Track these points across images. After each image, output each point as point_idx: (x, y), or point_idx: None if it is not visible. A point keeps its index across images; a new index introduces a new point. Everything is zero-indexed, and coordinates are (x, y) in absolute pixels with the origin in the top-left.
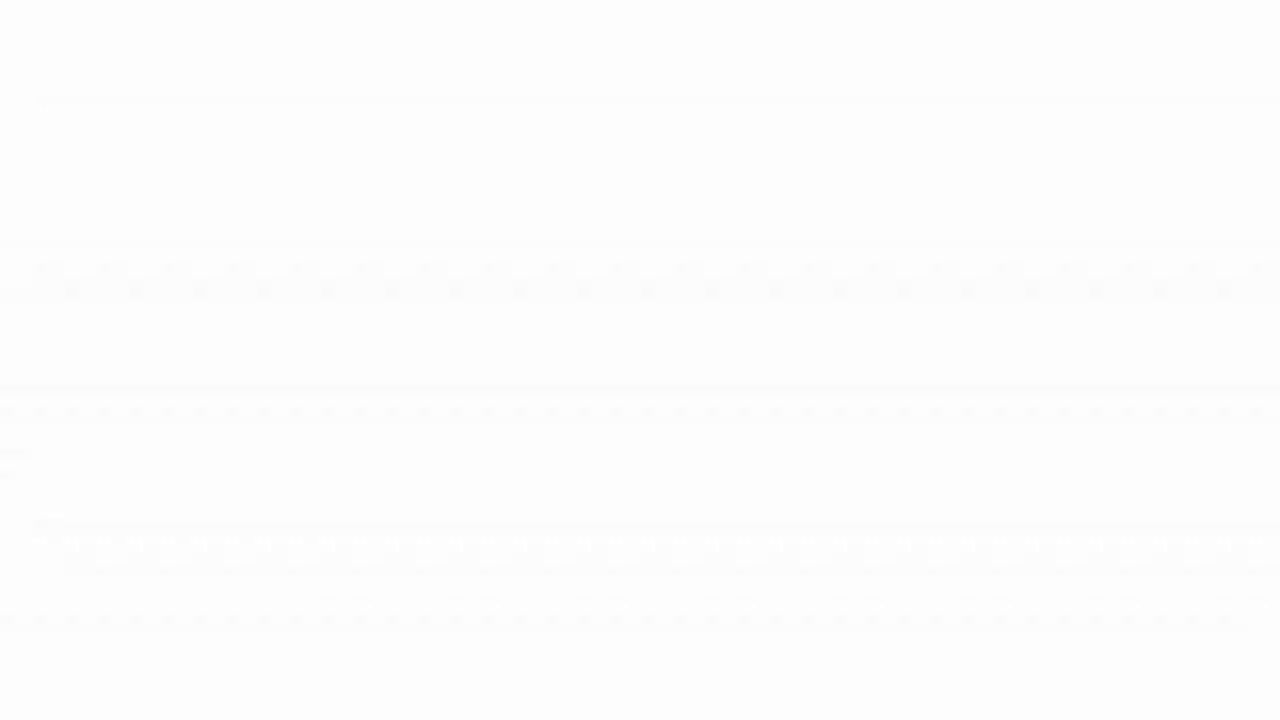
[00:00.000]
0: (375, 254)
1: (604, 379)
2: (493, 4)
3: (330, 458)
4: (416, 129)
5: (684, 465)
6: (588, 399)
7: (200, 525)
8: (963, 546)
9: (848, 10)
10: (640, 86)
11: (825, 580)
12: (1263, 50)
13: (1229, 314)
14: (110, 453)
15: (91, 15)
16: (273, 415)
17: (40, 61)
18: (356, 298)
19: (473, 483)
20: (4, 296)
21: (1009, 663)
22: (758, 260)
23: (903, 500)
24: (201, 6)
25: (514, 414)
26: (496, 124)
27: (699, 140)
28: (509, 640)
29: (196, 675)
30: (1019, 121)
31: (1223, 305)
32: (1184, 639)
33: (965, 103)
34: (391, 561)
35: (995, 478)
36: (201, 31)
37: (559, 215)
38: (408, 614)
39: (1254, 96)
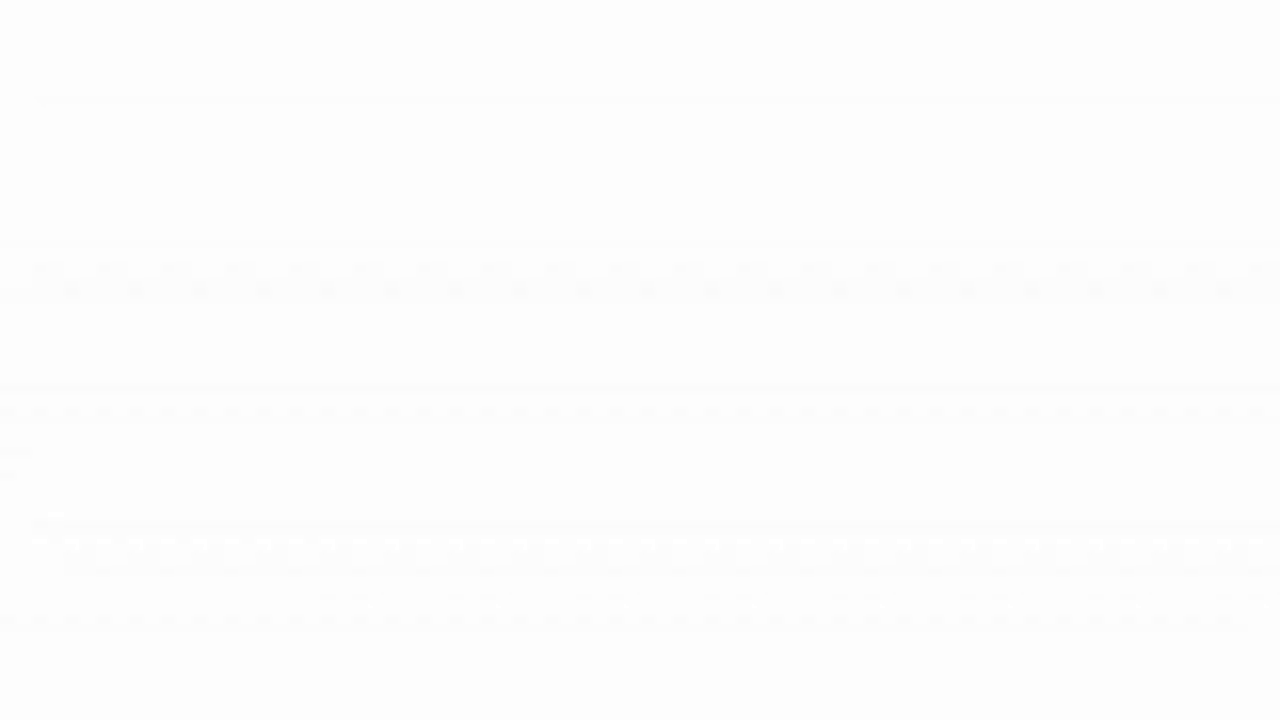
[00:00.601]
0: (375, 254)
1: (604, 379)
2: (493, 4)
3: (330, 458)
4: (416, 129)
5: (684, 465)
6: (588, 399)
7: (200, 525)
8: (963, 546)
9: (848, 10)
10: (640, 86)
11: (825, 580)
12: (1263, 50)
13: (1229, 314)
14: (110, 453)
15: (91, 15)
16: (273, 415)
17: (40, 61)
18: (356, 298)
19: (473, 483)
20: (4, 296)
21: (1009, 663)
22: (758, 260)
23: (903, 500)
24: (201, 6)
25: (514, 414)
26: (496, 124)
27: (699, 140)
28: (509, 640)
29: (196, 675)
30: (1019, 121)
31: (1223, 305)
32: (1184, 639)
33: (965, 103)
34: (391, 561)
35: (995, 478)
36: (201, 31)
37: (559, 215)
38: (408, 614)
39: (1254, 96)
